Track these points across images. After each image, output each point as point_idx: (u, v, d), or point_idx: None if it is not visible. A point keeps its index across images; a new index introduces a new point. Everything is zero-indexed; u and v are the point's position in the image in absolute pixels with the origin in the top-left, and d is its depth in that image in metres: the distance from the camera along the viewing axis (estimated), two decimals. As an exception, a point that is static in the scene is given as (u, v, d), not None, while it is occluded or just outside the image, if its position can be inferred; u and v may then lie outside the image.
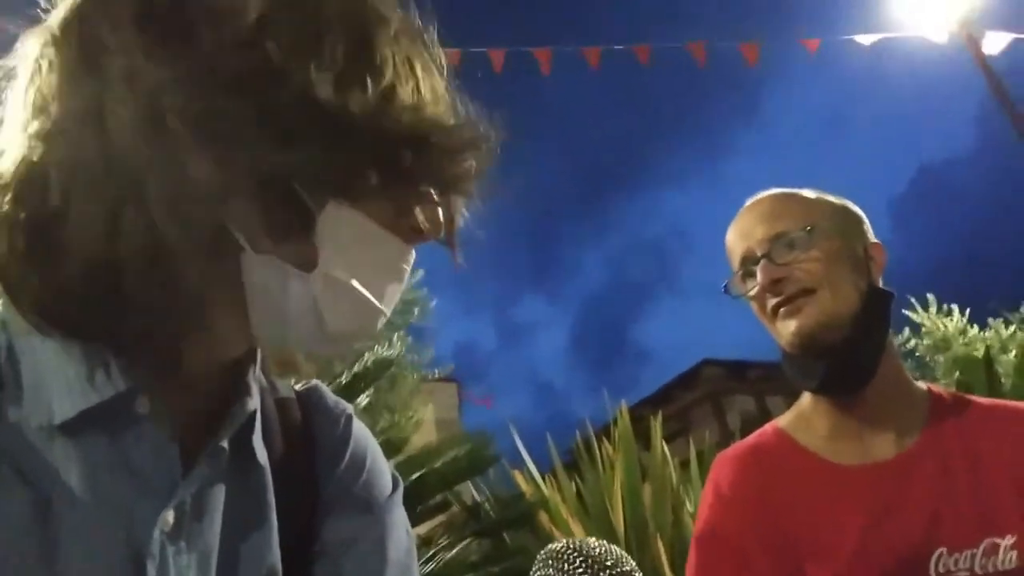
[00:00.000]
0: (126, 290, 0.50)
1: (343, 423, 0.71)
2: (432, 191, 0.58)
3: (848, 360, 1.02)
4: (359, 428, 0.72)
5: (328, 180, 0.52)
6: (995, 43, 7.01)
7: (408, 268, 0.60)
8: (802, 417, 1.11)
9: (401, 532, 0.69)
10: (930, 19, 7.53)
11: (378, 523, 0.68)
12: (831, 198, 1.11)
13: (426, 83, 0.57)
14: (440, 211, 0.60)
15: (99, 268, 0.49)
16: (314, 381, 0.74)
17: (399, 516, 0.70)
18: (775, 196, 1.11)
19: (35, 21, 0.53)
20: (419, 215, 0.58)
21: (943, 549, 0.94)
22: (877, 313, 1.04)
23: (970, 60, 7.79)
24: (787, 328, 1.03)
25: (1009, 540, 0.93)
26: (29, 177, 0.50)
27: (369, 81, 0.53)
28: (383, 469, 0.72)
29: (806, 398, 1.11)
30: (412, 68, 0.57)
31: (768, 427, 1.15)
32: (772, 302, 1.04)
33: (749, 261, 1.07)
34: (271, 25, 0.51)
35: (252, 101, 0.50)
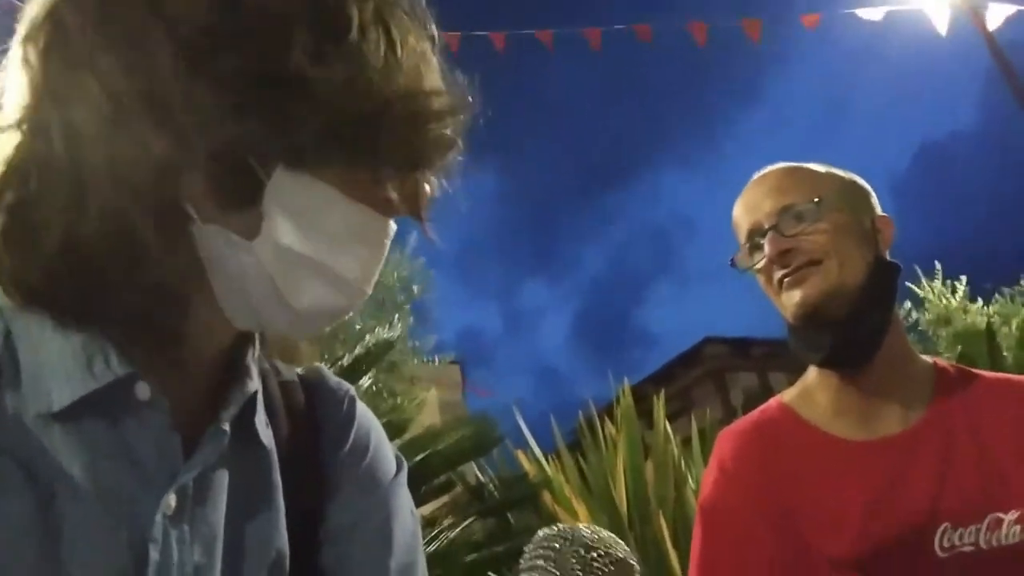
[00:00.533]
0: (99, 269, 0.50)
1: (346, 404, 0.71)
2: (402, 161, 0.56)
3: (854, 332, 1.01)
4: (362, 409, 0.72)
5: (275, 144, 0.51)
6: (999, 15, 6.94)
7: (385, 240, 0.57)
8: (807, 392, 1.10)
9: (406, 514, 0.69)
10: (932, -9, 7.44)
11: (383, 506, 0.68)
12: (839, 172, 1.10)
13: (404, 50, 0.54)
14: (416, 183, 0.58)
15: (73, 247, 0.49)
16: (316, 363, 0.73)
17: (404, 498, 0.70)
18: (783, 169, 1.09)
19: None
20: (391, 187, 0.56)
21: (947, 524, 0.94)
22: (884, 286, 1.03)
23: (974, 33, 7.72)
24: (792, 299, 1.01)
25: (1013, 515, 0.93)
26: (12, 166, 0.51)
27: (323, 44, 0.51)
28: (387, 451, 0.72)
29: (811, 373, 1.09)
30: (386, 32, 0.54)
31: (772, 402, 1.14)
32: (779, 274, 1.02)
33: (756, 234, 1.05)
34: None
35: (199, 68, 0.49)
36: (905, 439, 1.00)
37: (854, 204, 1.06)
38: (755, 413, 1.14)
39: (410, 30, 0.56)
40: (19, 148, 0.51)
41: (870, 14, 6.49)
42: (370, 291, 0.58)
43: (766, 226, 1.04)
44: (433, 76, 0.56)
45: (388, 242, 0.58)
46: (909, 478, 0.97)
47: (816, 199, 1.03)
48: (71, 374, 0.51)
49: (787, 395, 1.13)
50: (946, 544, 0.93)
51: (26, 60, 0.51)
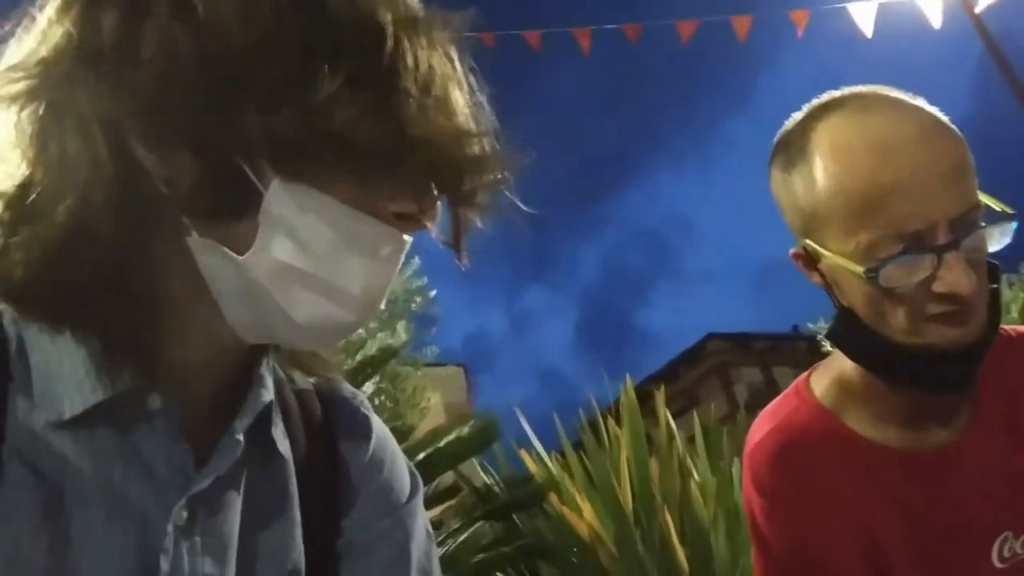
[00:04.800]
0: (102, 281, 0.51)
1: (361, 416, 0.71)
2: (420, 185, 0.55)
3: (981, 361, 0.84)
4: (379, 425, 0.72)
5: (276, 157, 0.50)
6: (990, 3, 6.92)
7: (395, 254, 0.56)
8: (844, 389, 0.94)
9: (422, 534, 0.69)
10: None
11: (401, 527, 0.68)
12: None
13: (431, 73, 0.53)
14: (436, 199, 0.56)
15: (74, 261, 0.50)
16: (330, 373, 0.72)
17: (421, 518, 0.70)
18: (949, 132, 0.79)
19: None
20: (405, 200, 0.55)
21: (1008, 532, 0.85)
22: (998, 303, 0.85)
23: (966, 22, 7.71)
24: (945, 335, 0.80)
25: None
26: (18, 182, 0.52)
27: (347, 66, 0.50)
28: (402, 466, 0.72)
29: (848, 368, 0.93)
30: (414, 56, 0.53)
31: (800, 398, 0.97)
32: (941, 310, 0.79)
33: (924, 240, 0.77)
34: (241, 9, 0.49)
35: (204, 79, 0.48)
36: (959, 447, 0.89)
37: None
38: (783, 414, 0.96)
39: (436, 51, 0.54)
40: (27, 161, 0.51)
41: (861, 8, 6.48)
42: (381, 305, 0.56)
43: (942, 239, 0.76)
44: (458, 98, 0.55)
45: (400, 255, 0.56)
46: (967, 489, 0.87)
47: (980, 203, 0.79)
48: (83, 382, 0.51)
49: (818, 388, 0.96)
50: (1007, 554, 0.85)
51: (21, 73, 0.51)
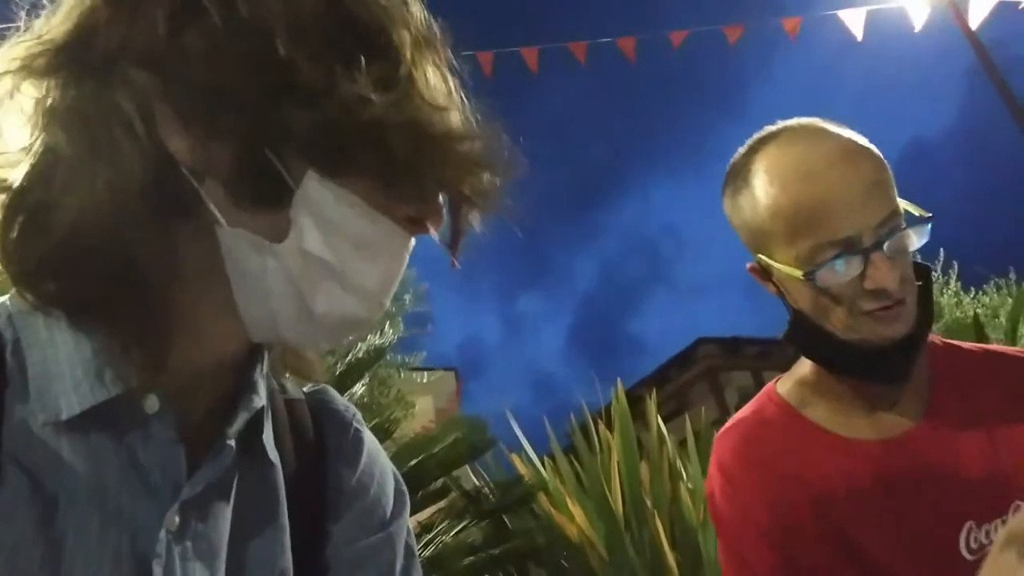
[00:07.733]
0: (115, 271, 0.51)
1: (353, 430, 0.71)
2: (434, 186, 0.57)
3: (918, 353, 0.95)
4: (370, 440, 0.72)
5: (307, 152, 0.51)
6: (979, 11, 6.98)
7: (405, 254, 0.58)
8: (804, 387, 1.04)
9: (406, 551, 0.69)
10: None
11: (388, 544, 0.68)
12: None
13: (437, 82, 0.57)
14: (441, 206, 0.58)
15: (87, 249, 0.50)
16: (322, 384, 0.73)
17: (405, 535, 0.70)
18: (867, 151, 0.92)
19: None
20: (417, 204, 0.57)
21: (971, 523, 0.88)
22: (928, 300, 0.95)
23: (955, 30, 7.78)
24: (883, 331, 0.91)
25: None
26: (34, 168, 0.51)
27: (369, 63, 0.52)
28: (390, 482, 0.72)
29: (808, 369, 1.05)
30: (424, 59, 0.56)
31: (767, 397, 1.08)
32: (874, 306, 0.90)
33: (852, 245, 0.88)
34: (268, 7, 0.51)
35: (228, 71, 0.50)
36: (913, 437, 0.95)
37: None
38: (751, 410, 1.07)
39: (440, 66, 0.58)
40: (43, 150, 0.51)
41: (851, 15, 6.52)
42: (387, 304, 0.58)
43: (867, 243, 0.88)
44: (456, 106, 0.58)
45: (407, 256, 0.58)
46: (923, 478, 0.92)
47: (900, 209, 0.91)
48: (80, 383, 0.51)
49: (781, 388, 1.07)
50: (973, 544, 0.87)
51: (43, 63, 0.51)
